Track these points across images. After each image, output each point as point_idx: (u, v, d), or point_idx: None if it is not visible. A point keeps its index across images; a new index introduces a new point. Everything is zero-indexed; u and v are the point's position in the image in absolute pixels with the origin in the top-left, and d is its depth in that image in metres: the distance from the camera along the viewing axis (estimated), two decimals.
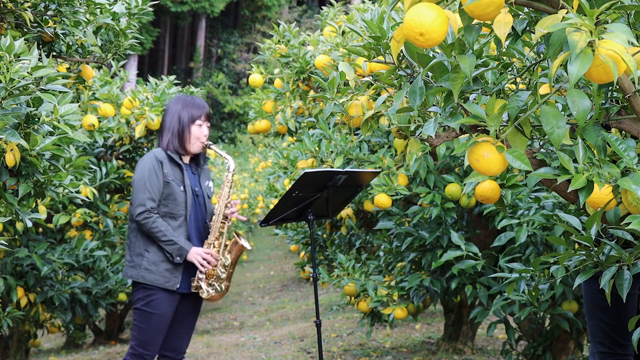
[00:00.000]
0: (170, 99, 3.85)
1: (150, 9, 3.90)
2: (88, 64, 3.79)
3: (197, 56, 31.58)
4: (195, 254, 3.63)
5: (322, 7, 5.63)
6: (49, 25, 3.41)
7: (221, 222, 3.76)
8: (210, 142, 3.79)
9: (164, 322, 3.64)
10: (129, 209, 3.68)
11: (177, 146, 3.70)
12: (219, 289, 3.72)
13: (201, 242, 3.76)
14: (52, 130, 2.72)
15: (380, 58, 2.24)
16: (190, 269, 3.71)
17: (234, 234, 3.78)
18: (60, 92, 2.69)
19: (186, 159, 3.78)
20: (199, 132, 3.73)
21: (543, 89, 1.89)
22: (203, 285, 3.69)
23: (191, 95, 3.86)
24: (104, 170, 5.46)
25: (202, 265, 3.64)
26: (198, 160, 3.83)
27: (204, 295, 3.69)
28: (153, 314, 3.61)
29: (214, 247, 3.73)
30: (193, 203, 3.72)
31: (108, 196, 5.82)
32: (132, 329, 3.72)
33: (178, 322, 3.77)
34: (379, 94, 2.39)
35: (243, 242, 3.76)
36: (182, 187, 3.66)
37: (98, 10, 3.56)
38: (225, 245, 3.78)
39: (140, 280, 3.61)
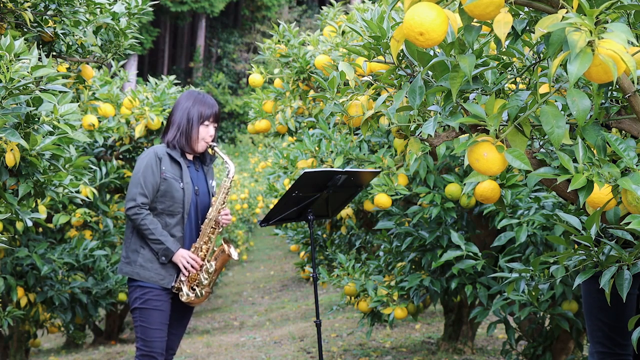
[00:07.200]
0: (182, 94, 3.78)
1: (150, 9, 3.90)
2: (88, 64, 3.79)
3: (197, 56, 31.58)
4: (181, 257, 3.59)
5: (322, 7, 5.63)
6: (49, 25, 3.41)
7: (212, 228, 3.69)
8: (215, 144, 3.74)
9: (164, 317, 3.61)
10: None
11: (183, 144, 3.66)
12: (199, 294, 3.67)
13: (195, 241, 3.72)
14: (52, 130, 2.72)
15: (380, 58, 2.24)
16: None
17: (223, 242, 3.73)
18: (60, 92, 2.69)
19: (189, 157, 3.73)
20: (205, 132, 3.68)
21: (543, 89, 1.88)
22: (184, 288, 3.64)
23: (203, 92, 3.82)
24: (104, 170, 5.47)
25: (185, 269, 3.60)
26: (204, 158, 3.79)
27: (183, 299, 3.64)
28: (153, 310, 3.59)
29: (201, 251, 3.68)
30: (193, 201, 3.68)
31: (108, 196, 5.83)
32: (134, 330, 3.68)
33: (173, 321, 3.72)
34: (379, 94, 2.39)
35: (231, 251, 3.70)
36: (181, 184, 3.61)
37: (98, 10, 3.56)
38: (213, 251, 3.73)
39: (135, 277, 3.58)
